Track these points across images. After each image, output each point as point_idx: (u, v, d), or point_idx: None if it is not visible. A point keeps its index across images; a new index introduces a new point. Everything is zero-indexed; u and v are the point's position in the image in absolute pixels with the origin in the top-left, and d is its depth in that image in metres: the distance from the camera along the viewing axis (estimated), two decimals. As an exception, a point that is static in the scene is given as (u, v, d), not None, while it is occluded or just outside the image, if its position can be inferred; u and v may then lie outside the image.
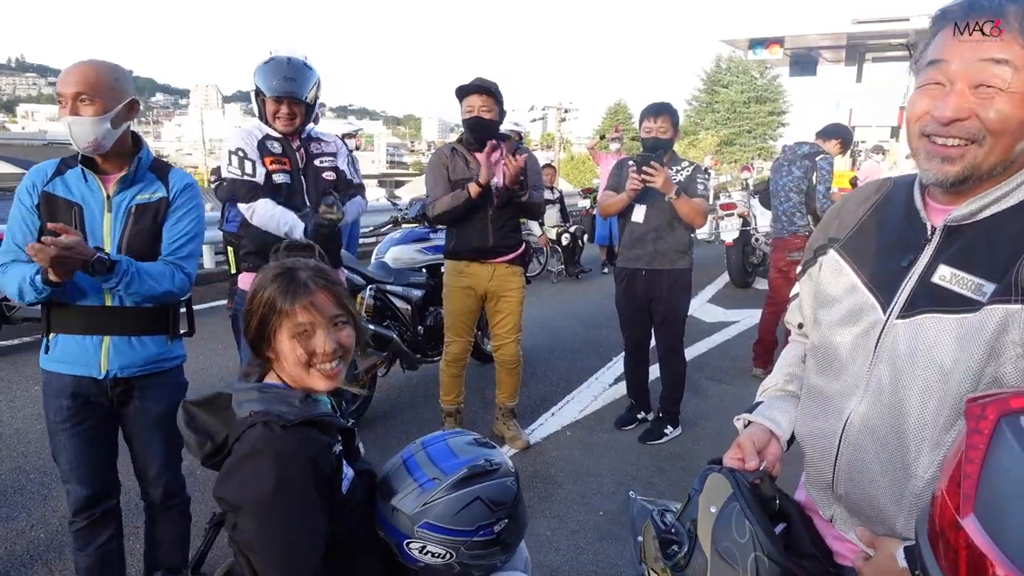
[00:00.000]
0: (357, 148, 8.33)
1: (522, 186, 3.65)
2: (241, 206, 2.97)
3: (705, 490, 1.18)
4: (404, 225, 5.42)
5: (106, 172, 2.08)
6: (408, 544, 1.44)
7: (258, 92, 2.95)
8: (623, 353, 4.45)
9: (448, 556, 1.43)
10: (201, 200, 2.23)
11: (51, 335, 2.11)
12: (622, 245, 4.19)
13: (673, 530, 1.19)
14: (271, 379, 1.47)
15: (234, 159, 2.94)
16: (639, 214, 4.03)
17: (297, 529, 1.26)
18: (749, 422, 1.34)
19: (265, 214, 2.94)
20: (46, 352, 2.12)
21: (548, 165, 10.35)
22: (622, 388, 4.80)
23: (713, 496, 1.16)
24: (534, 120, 39.08)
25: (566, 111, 37.92)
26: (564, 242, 9.60)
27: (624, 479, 3.66)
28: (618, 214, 4.15)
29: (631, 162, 4.00)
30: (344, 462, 1.43)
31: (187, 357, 2.37)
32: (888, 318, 1.11)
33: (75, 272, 1.90)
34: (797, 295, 1.40)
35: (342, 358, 1.45)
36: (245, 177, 2.93)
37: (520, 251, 3.90)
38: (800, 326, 1.41)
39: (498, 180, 3.62)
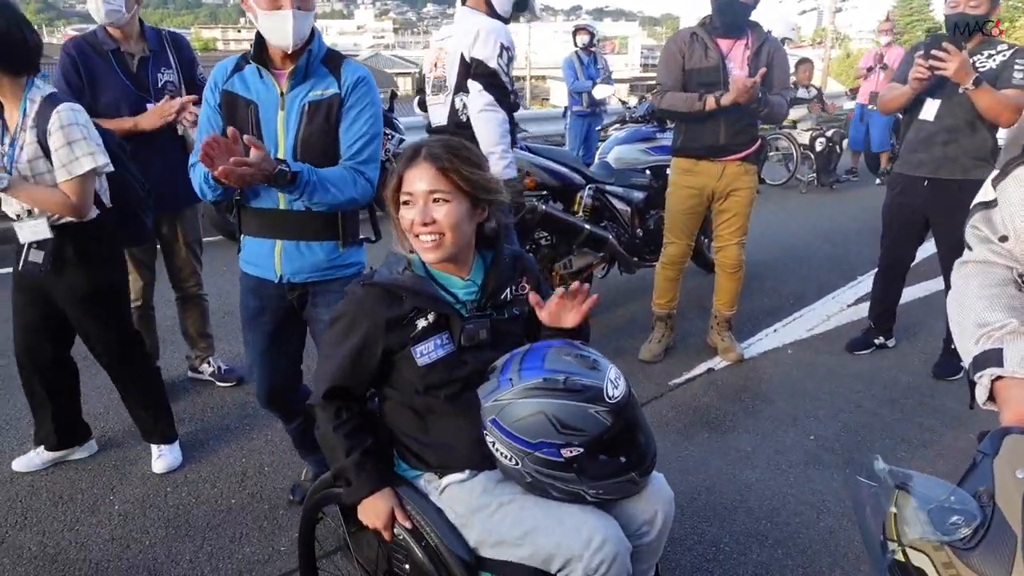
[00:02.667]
0: (591, 47, 8.05)
1: (760, 102, 3.29)
2: (478, 101, 2.86)
3: (1005, 453, 0.97)
4: (630, 124, 5.23)
5: (279, 68, 1.99)
6: (484, 434, 1.46)
7: None
8: (872, 271, 3.94)
9: (515, 463, 1.41)
10: (376, 96, 2.06)
11: (242, 235, 2.15)
12: (904, 148, 3.54)
13: (953, 498, 0.97)
14: None
15: (505, 55, 2.86)
16: (930, 110, 3.30)
17: (330, 353, 1.56)
18: (998, 376, 1.08)
19: (496, 122, 2.86)
20: (239, 252, 2.19)
21: (805, 60, 9.24)
22: (862, 310, 4.31)
23: (1020, 460, 0.95)
24: (804, 12, 35.03)
25: (843, 0, 33.22)
26: (818, 148, 8.59)
27: (846, 406, 3.33)
28: (902, 110, 3.50)
29: (923, 46, 3.24)
30: (434, 340, 1.51)
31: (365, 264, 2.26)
32: None
33: (249, 183, 1.86)
34: (993, 202, 1.13)
35: (442, 235, 1.47)
36: (505, 80, 2.89)
37: (754, 147, 3.56)
38: (1003, 239, 1.15)
39: (742, 73, 3.31)
